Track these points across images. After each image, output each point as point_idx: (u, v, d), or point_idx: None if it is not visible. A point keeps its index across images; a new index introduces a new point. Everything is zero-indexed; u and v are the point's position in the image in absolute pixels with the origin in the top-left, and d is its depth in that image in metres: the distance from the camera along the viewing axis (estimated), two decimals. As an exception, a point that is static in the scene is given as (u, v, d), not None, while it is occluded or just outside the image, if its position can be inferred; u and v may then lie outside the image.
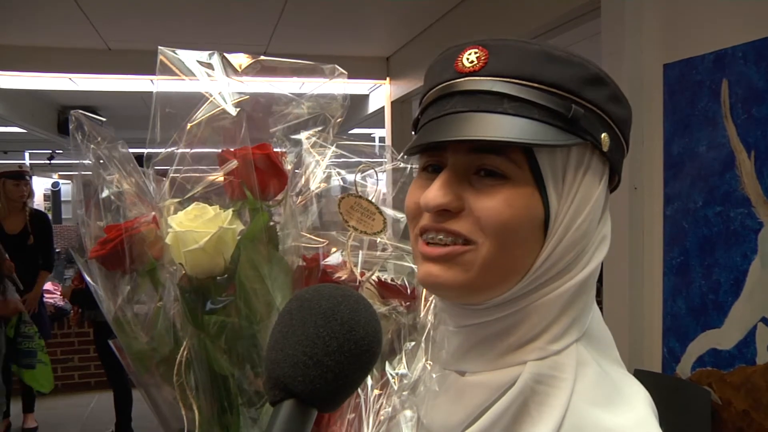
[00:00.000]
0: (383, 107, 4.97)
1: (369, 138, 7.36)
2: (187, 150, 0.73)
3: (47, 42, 4.09)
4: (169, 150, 0.72)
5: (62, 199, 12.77)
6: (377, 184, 0.76)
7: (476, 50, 0.60)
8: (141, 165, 0.79)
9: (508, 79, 0.58)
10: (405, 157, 0.79)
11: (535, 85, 0.58)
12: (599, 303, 0.75)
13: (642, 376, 1.46)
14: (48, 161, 9.37)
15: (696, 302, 1.74)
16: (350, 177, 0.75)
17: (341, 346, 0.51)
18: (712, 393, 1.68)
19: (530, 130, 0.57)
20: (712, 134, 1.66)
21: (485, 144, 0.57)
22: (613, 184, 0.65)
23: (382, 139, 6.83)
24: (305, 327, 0.52)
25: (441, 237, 0.60)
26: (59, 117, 6.51)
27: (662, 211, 1.84)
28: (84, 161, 0.74)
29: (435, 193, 0.58)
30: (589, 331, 0.62)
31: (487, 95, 0.58)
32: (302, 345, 0.51)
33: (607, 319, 0.67)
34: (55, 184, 12.47)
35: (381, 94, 5.00)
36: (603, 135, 0.60)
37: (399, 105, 4.76)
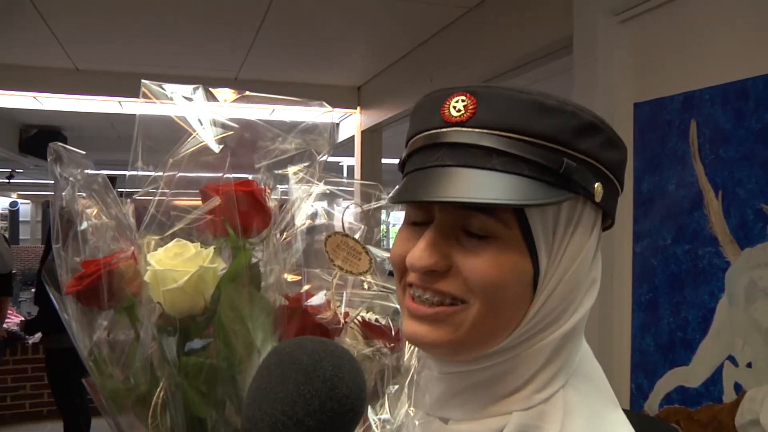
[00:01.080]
0: (353, 136, 4.98)
1: (337, 166, 7.37)
2: (168, 189, 0.71)
3: (12, 59, 4.01)
4: (150, 188, 0.70)
5: (20, 218, 12.47)
6: (365, 221, 0.75)
7: (464, 97, 0.58)
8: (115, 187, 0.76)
9: (496, 132, 0.56)
10: (389, 203, 0.77)
11: (526, 138, 0.55)
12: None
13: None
14: (7, 180, 9.15)
15: (664, 339, 1.75)
16: (337, 214, 0.74)
17: (323, 405, 0.48)
18: (680, 430, 1.68)
19: (520, 188, 0.54)
20: (681, 173, 1.69)
21: (472, 204, 0.55)
22: (605, 225, 0.64)
23: (351, 168, 6.83)
24: (285, 384, 0.49)
25: (428, 296, 0.58)
26: (21, 136, 6.36)
27: (632, 248, 1.86)
28: (62, 193, 0.71)
29: (421, 253, 0.57)
30: (579, 372, 0.61)
31: (474, 149, 0.56)
32: (281, 403, 0.48)
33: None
34: (14, 204, 12.19)
35: (351, 123, 5.01)
36: (596, 185, 0.58)
37: (369, 134, 4.78)
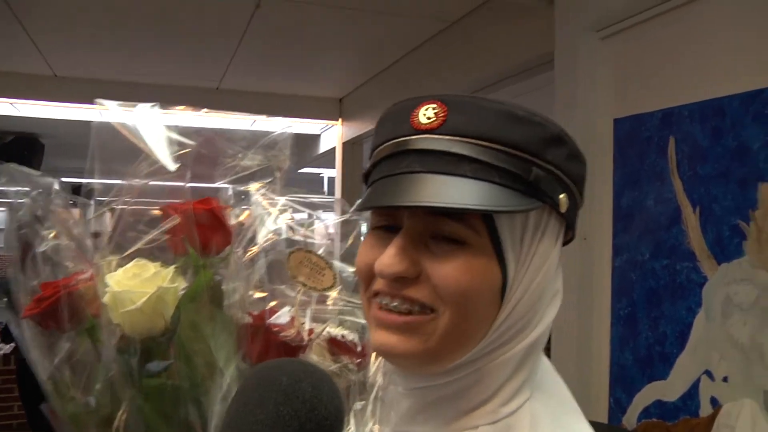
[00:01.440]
0: (334, 148, 4.98)
1: (318, 178, 7.34)
2: (126, 206, 0.69)
3: (-11, 65, 3.95)
4: (106, 209, 0.69)
5: (-7, 227, 12.25)
6: (326, 236, 0.74)
7: (434, 105, 0.57)
8: (81, 194, 0.75)
9: (467, 140, 0.55)
10: (355, 211, 0.77)
11: (496, 146, 0.55)
12: (547, 351, 0.74)
13: (592, 427, 1.45)
14: (-19, 187, 8.99)
15: (642, 353, 1.76)
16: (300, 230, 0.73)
17: (302, 426, 0.48)
18: (657, 445, 1.69)
19: (490, 195, 0.54)
20: (659, 189, 1.71)
21: (443, 210, 0.55)
22: (566, 238, 0.64)
23: (331, 180, 6.81)
24: (264, 406, 0.48)
25: (396, 304, 0.57)
26: (-4, 142, 6.26)
27: (611, 262, 1.87)
28: (18, 214, 0.69)
29: (390, 260, 0.56)
30: (541, 385, 0.61)
31: (445, 156, 0.56)
32: (260, 425, 0.47)
33: (555, 367, 0.66)
34: (-13, 212, 11.96)
35: (333, 134, 5.01)
36: (561, 196, 0.58)
37: (351, 146, 4.78)
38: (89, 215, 0.74)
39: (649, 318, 1.74)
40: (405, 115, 0.59)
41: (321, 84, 4.41)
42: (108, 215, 0.74)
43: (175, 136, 0.71)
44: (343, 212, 0.80)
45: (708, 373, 1.56)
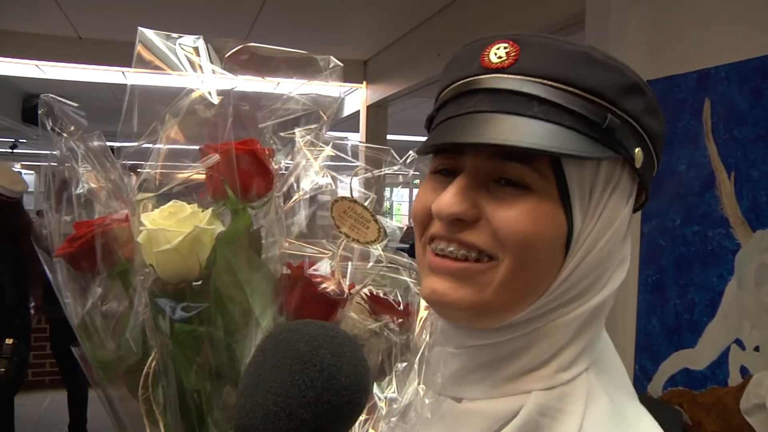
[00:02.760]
0: (358, 111, 4.93)
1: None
2: (165, 145, 0.67)
3: (14, 26, 3.96)
4: (144, 143, 0.66)
5: (24, 189, 12.46)
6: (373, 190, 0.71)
7: (506, 45, 0.54)
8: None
9: (539, 80, 0.53)
10: (414, 156, 0.72)
11: (570, 89, 0.52)
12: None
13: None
14: (10, 150, 9.11)
15: (670, 321, 1.73)
16: (345, 179, 0.70)
17: (319, 397, 0.45)
18: (683, 413, 1.67)
19: (560, 138, 0.51)
20: (692, 153, 1.65)
21: (510, 150, 0.52)
22: (640, 202, 0.61)
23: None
24: (279, 372, 0.46)
25: (452, 249, 0.54)
26: (24, 105, 6.32)
27: (639, 228, 1.83)
28: (53, 151, 0.67)
29: (450, 199, 0.53)
30: (599, 360, 0.57)
31: (514, 95, 0.53)
32: (274, 393, 0.45)
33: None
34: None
35: (357, 97, 4.96)
36: (637, 150, 0.55)
37: (375, 109, 4.73)
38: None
39: (678, 285, 1.70)
40: (475, 54, 0.56)
41: (345, 46, 4.35)
42: (134, 178, 0.72)
43: (219, 69, 0.68)
44: (391, 164, 0.76)
45: (738, 342, 1.53)
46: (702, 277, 1.63)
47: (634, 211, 0.60)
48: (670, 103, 1.73)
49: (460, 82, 0.57)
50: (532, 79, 0.53)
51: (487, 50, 0.55)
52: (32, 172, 12.33)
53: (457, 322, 0.58)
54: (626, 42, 1.86)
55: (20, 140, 8.71)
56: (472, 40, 0.58)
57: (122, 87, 0.67)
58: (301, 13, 3.54)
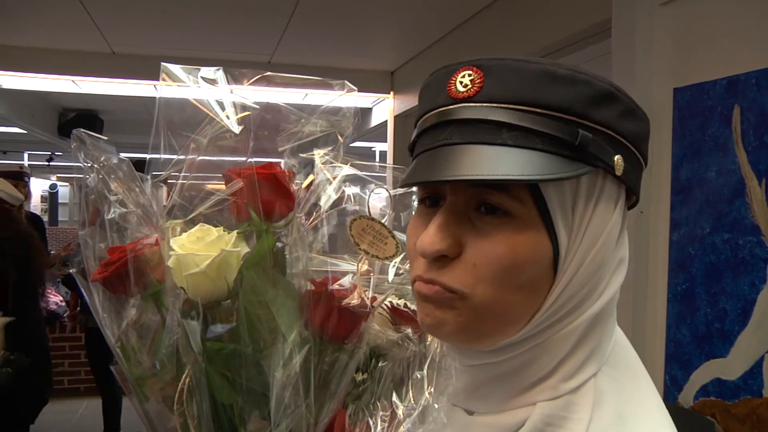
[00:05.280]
0: (386, 121, 4.96)
1: (370, 152, 7.34)
2: (190, 173, 0.70)
3: (51, 44, 4.08)
4: (171, 171, 0.70)
5: (59, 201, 12.74)
6: (389, 207, 0.73)
7: (470, 72, 0.54)
8: (141, 170, 0.76)
9: (506, 106, 0.52)
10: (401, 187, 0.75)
11: (537, 110, 0.52)
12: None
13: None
14: (47, 163, 9.35)
15: (701, 330, 1.71)
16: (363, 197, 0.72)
17: None
18: (716, 424, 1.65)
19: (533, 163, 0.51)
20: (722, 160, 1.64)
21: (480, 181, 0.52)
22: (630, 203, 0.61)
23: (383, 154, 6.81)
24: None
25: (431, 295, 0.56)
26: (60, 119, 6.49)
27: (668, 237, 1.81)
28: (87, 180, 0.70)
29: (431, 238, 0.54)
30: (612, 362, 0.58)
31: (484, 124, 0.53)
32: None
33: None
34: (53, 186, 12.45)
35: (384, 108, 4.99)
36: (616, 158, 0.54)
37: (402, 119, 4.75)
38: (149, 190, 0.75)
39: (708, 294, 1.68)
40: (442, 84, 0.56)
41: (373, 57, 4.39)
42: (164, 189, 0.75)
43: (239, 99, 0.70)
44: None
45: (771, 352, 1.51)
46: (733, 286, 1.61)
47: (628, 209, 0.61)
48: (698, 111, 1.72)
49: (431, 113, 0.57)
50: (498, 105, 0.53)
51: (453, 78, 0.55)
52: (66, 183, 12.61)
53: (453, 344, 0.60)
54: (654, 49, 1.85)
55: (56, 153, 8.93)
56: (437, 68, 0.59)
57: (153, 100, 0.70)
58: (329, 25, 3.58)
